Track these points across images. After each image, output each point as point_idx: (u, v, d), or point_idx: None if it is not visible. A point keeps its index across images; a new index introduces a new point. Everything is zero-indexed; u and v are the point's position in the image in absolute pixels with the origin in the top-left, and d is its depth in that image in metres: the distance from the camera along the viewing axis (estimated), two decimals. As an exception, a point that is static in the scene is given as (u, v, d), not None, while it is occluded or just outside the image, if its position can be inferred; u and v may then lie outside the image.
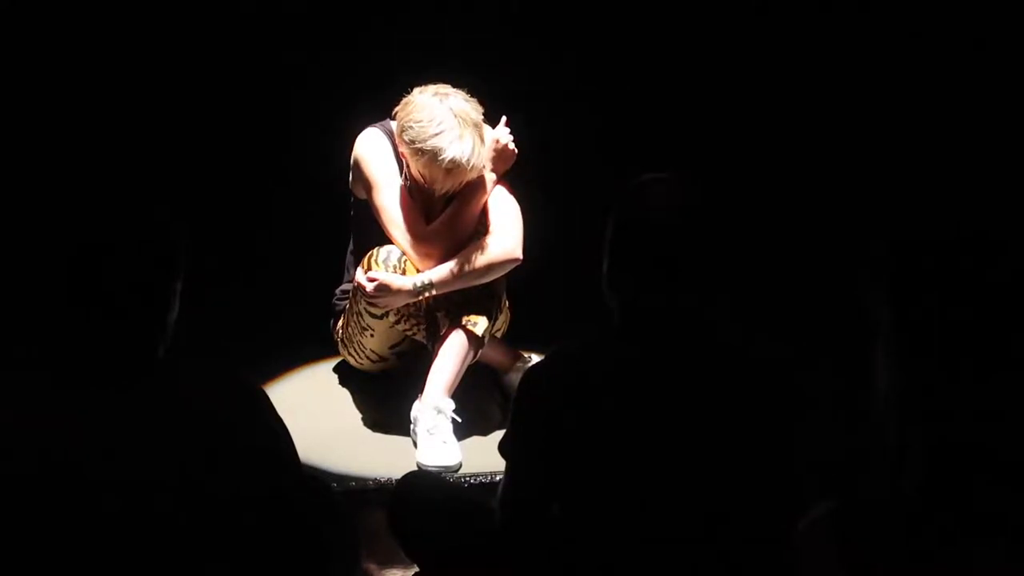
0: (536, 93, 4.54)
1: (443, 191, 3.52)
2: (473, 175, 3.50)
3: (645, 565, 2.23)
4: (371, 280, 3.54)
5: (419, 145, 3.43)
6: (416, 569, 2.65)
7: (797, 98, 4.61)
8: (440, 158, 3.41)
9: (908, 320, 1.64)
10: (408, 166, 3.56)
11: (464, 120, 3.42)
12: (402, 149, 3.51)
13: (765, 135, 4.65)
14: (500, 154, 3.61)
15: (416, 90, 3.50)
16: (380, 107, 3.63)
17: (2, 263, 4.02)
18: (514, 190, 3.67)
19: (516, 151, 3.63)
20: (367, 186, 3.63)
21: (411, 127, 3.44)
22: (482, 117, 3.49)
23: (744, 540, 2.23)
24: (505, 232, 3.60)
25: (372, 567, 3.00)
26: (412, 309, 3.62)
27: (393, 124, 3.57)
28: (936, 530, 1.58)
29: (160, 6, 4.54)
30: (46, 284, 2.10)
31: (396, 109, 3.52)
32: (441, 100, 3.44)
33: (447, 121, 3.41)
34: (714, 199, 2.33)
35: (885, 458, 1.64)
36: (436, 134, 3.41)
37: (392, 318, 3.65)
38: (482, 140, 3.47)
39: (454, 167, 3.42)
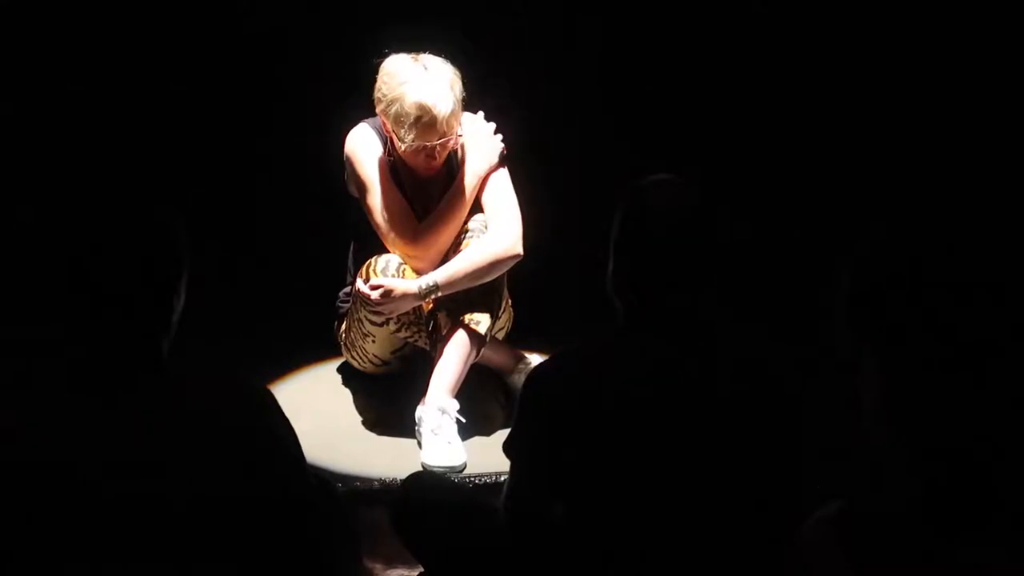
0: (541, 90, 4.55)
1: (420, 151, 3.44)
2: (445, 127, 3.41)
3: (649, 566, 2.23)
4: (374, 288, 3.53)
5: (390, 95, 3.42)
6: (420, 569, 2.65)
7: (802, 99, 4.61)
8: (408, 101, 3.38)
9: (895, 326, 1.64)
10: (392, 142, 3.53)
11: (435, 71, 3.42)
12: (378, 109, 3.49)
13: (770, 136, 4.65)
14: (482, 145, 3.59)
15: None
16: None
17: (5, 267, 4.03)
18: (513, 186, 3.65)
19: (502, 144, 3.62)
20: (358, 186, 3.61)
21: (384, 82, 3.45)
22: (459, 79, 3.45)
23: (750, 541, 2.23)
24: (505, 229, 3.58)
25: (377, 567, 3.00)
26: (412, 317, 3.61)
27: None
28: (940, 530, 1.58)
29: (160, 6, 4.55)
30: (50, 286, 2.10)
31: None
32: (414, 59, 3.46)
33: (417, 72, 3.42)
34: (718, 200, 2.33)
35: (886, 459, 1.64)
36: (404, 82, 3.41)
37: (392, 326, 3.64)
38: (456, 95, 3.43)
39: (424, 114, 3.38)
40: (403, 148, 3.47)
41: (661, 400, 2.23)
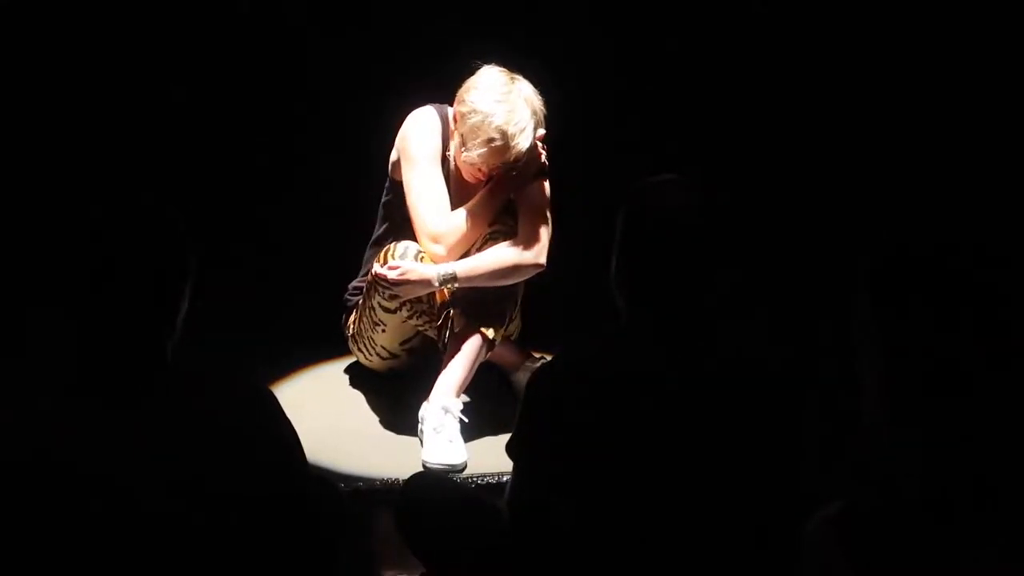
0: (547, 90, 4.55)
1: (474, 164, 3.49)
2: (509, 158, 3.46)
3: (651, 565, 2.24)
4: (392, 268, 3.54)
5: (475, 105, 3.43)
6: (423, 569, 2.65)
7: (805, 99, 4.62)
8: (487, 121, 3.40)
9: (896, 329, 1.64)
10: (453, 139, 3.54)
11: (527, 102, 3.45)
12: (458, 108, 3.50)
13: (772, 137, 4.65)
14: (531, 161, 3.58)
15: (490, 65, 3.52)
16: (392, 103, 3.63)
17: (11, 269, 4.03)
18: (551, 198, 3.65)
19: (546, 163, 3.62)
20: (406, 159, 3.62)
21: (476, 87, 3.47)
22: (543, 114, 3.50)
23: (750, 540, 2.23)
24: (535, 237, 3.57)
25: (379, 567, 3.00)
26: (425, 306, 3.62)
27: (450, 109, 3.57)
28: (940, 530, 1.59)
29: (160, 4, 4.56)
30: (55, 287, 2.10)
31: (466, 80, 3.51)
32: (512, 79, 3.48)
33: (513, 96, 3.44)
34: (722, 200, 2.34)
35: (886, 459, 1.64)
36: (497, 100, 3.42)
37: (405, 313, 3.64)
38: (533, 131, 3.47)
39: (498, 138, 3.41)
40: (462, 155, 3.50)
41: (663, 400, 2.24)
